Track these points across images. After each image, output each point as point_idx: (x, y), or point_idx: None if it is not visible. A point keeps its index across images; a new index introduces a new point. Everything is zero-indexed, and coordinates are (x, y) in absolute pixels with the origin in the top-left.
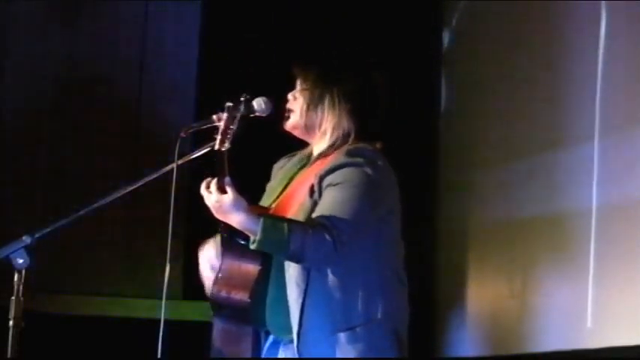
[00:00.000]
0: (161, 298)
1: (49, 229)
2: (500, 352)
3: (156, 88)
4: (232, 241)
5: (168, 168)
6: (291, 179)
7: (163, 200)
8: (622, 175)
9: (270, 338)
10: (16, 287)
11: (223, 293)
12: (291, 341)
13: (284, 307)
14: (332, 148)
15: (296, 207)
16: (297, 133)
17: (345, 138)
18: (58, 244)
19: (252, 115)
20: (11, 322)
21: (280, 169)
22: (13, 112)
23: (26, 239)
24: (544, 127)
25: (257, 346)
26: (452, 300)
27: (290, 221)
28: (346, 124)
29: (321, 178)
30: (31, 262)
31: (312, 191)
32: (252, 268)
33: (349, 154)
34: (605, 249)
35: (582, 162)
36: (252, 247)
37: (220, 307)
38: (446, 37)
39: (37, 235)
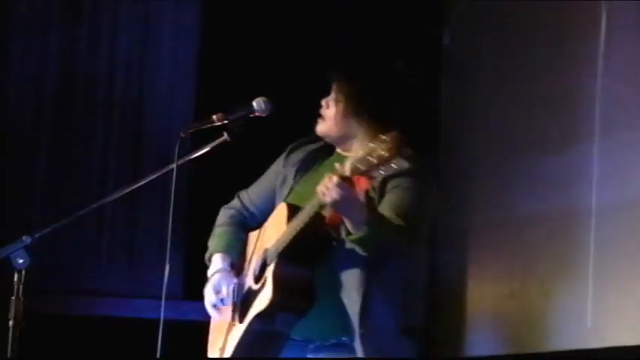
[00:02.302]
0: (161, 298)
1: (49, 229)
2: (501, 352)
3: (156, 88)
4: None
5: (168, 168)
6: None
7: (163, 200)
8: (622, 175)
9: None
10: (16, 287)
11: (284, 302)
12: (331, 345)
13: (333, 311)
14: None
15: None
16: (327, 139)
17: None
18: (58, 244)
19: (252, 115)
20: (11, 322)
21: (296, 161)
22: (13, 111)
23: (26, 239)
24: (544, 127)
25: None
26: (452, 300)
27: (388, 221)
28: (380, 133)
29: (385, 181)
30: (31, 262)
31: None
32: (307, 276)
33: (411, 161)
34: (605, 249)
35: (582, 162)
36: (351, 238)
37: (270, 314)
38: (446, 37)
39: (37, 235)
